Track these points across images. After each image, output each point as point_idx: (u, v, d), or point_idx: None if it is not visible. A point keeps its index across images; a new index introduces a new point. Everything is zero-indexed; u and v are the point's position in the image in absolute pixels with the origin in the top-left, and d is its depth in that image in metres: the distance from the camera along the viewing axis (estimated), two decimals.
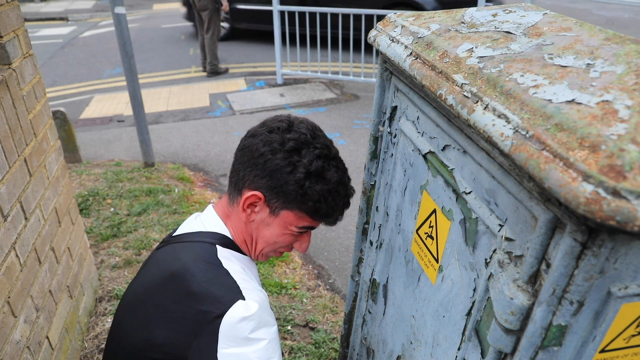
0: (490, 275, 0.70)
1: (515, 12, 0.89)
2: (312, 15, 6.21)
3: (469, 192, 0.78)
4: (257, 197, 1.04)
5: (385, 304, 1.23)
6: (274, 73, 6.55)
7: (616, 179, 0.46)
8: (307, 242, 1.14)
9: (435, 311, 0.93)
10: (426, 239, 0.96)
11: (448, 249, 0.87)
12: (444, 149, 0.87)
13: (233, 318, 0.92)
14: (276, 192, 1.02)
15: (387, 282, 1.21)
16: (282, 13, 6.05)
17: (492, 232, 0.72)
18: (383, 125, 1.15)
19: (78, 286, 2.16)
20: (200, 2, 6.25)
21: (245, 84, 6.35)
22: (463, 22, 0.89)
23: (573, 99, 0.56)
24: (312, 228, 1.11)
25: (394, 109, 1.09)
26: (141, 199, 3.42)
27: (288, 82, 6.37)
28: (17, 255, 1.53)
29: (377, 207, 1.23)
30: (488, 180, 0.72)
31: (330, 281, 2.79)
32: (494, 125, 0.61)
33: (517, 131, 0.58)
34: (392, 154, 1.12)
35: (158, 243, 2.90)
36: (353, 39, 5.84)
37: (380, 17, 5.47)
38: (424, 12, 1.03)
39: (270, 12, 6.41)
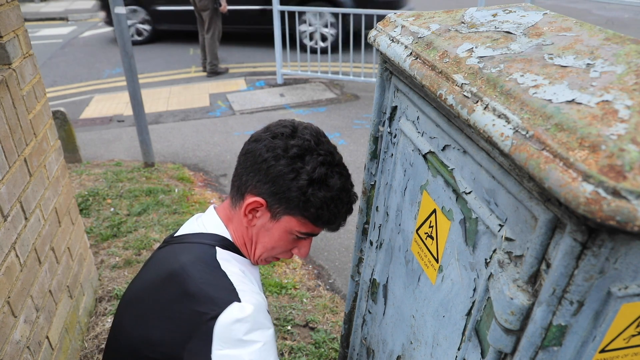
0: (490, 275, 0.70)
1: (515, 12, 0.89)
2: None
3: (469, 192, 0.78)
4: (259, 203, 1.04)
5: (385, 304, 1.23)
6: (274, 73, 6.55)
7: (616, 179, 0.46)
8: (308, 248, 1.13)
9: (435, 311, 0.93)
10: (426, 239, 0.96)
11: (448, 249, 0.87)
12: (444, 149, 0.87)
13: (227, 319, 0.92)
14: (278, 198, 1.02)
15: (387, 282, 1.21)
16: (282, 13, 6.05)
17: (492, 232, 0.72)
18: (383, 125, 1.15)
19: (78, 286, 2.16)
20: (201, 2, 6.25)
21: (245, 84, 6.35)
22: (463, 22, 0.89)
23: (573, 99, 0.56)
24: (314, 235, 1.10)
25: (394, 109, 1.09)
26: (141, 199, 3.42)
27: (288, 82, 6.37)
28: (17, 255, 1.53)
29: (377, 207, 1.23)
30: (488, 180, 0.72)
31: (330, 281, 2.79)
32: (494, 125, 0.61)
33: (517, 131, 0.58)
34: (392, 154, 1.12)
35: (158, 243, 2.91)
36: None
37: (382, 17, 5.47)
38: (424, 12, 1.03)
39: (191, 11, 6.86)
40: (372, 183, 1.24)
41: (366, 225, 1.32)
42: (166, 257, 1.09)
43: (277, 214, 1.04)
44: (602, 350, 0.61)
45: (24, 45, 1.78)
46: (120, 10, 3.46)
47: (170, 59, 7.80)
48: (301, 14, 6.69)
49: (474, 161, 0.75)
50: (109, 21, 8.22)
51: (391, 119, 1.11)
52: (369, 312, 1.35)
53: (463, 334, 0.82)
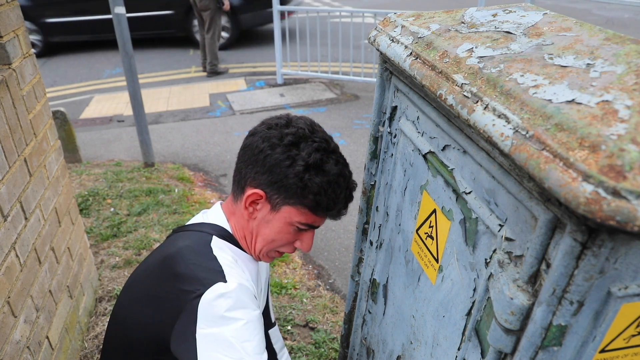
0: (490, 275, 0.70)
1: (515, 12, 0.89)
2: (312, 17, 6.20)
3: (469, 192, 0.78)
4: (259, 195, 1.05)
5: (385, 304, 1.23)
6: (274, 73, 6.54)
7: (616, 179, 0.46)
8: (310, 240, 1.13)
9: (435, 311, 0.93)
10: (426, 239, 0.96)
11: (448, 249, 0.87)
12: (444, 149, 0.87)
13: (211, 295, 0.94)
14: (277, 187, 1.03)
15: (387, 282, 1.21)
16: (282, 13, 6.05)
17: (492, 232, 0.72)
18: (383, 125, 1.15)
19: (78, 286, 2.16)
20: (202, 2, 6.24)
21: (245, 84, 6.35)
22: (463, 22, 0.89)
23: (573, 99, 0.56)
24: (315, 227, 1.11)
25: (394, 109, 1.09)
26: (141, 199, 3.42)
27: (288, 82, 6.37)
28: (17, 255, 1.53)
29: (377, 207, 1.23)
30: (488, 180, 0.72)
31: (330, 281, 2.79)
32: (494, 125, 0.61)
33: (517, 131, 0.58)
34: (392, 154, 1.12)
35: (158, 243, 2.91)
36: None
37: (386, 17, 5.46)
38: (424, 12, 1.03)
39: (85, 22, 7.17)
40: (372, 183, 1.24)
41: (366, 225, 1.32)
42: (167, 243, 1.13)
43: (276, 204, 1.05)
44: (602, 350, 0.61)
45: (24, 45, 1.78)
46: (120, 10, 3.46)
47: (170, 59, 7.80)
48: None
49: (474, 161, 0.75)
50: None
51: (391, 119, 1.11)
52: (369, 312, 1.35)
53: (463, 334, 0.82)
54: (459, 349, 0.84)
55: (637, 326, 0.60)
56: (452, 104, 0.71)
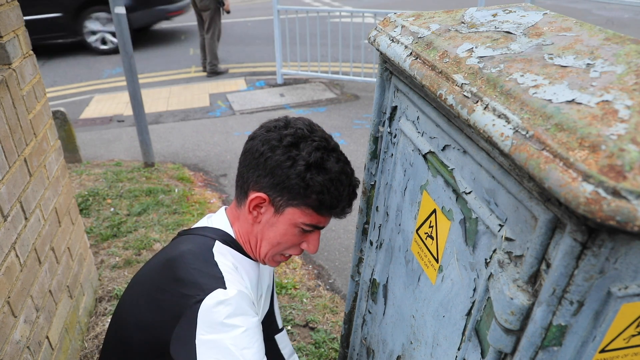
0: (490, 275, 0.70)
1: (515, 12, 0.89)
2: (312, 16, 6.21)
3: (469, 192, 0.78)
4: (262, 199, 1.05)
5: (385, 304, 1.23)
6: (274, 73, 6.54)
7: (616, 179, 0.46)
8: (316, 242, 1.12)
9: (435, 311, 0.93)
10: (426, 239, 0.96)
11: (448, 249, 0.87)
12: (444, 149, 0.87)
13: (211, 302, 0.94)
14: (279, 189, 1.03)
15: (387, 282, 1.21)
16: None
17: (492, 232, 0.72)
18: (383, 125, 1.15)
19: (78, 286, 2.16)
20: (202, 3, 6.25)
21: (245, 84, 6.35)
22: (463, 22, 0.89)
23: (573, 99, 0.56)
24: (319, 228, 1.10)
25: (394, 109, 1.09)
26: (141, 199, 3.42)
27: (288, 82, 6.37)
28: (17, 255, 1.53)
29: (377, 207, 1.23)
30: (488, 180, 0.72)
31: (330, 281, 2.79)
32: (494, 125, 0.61)
33: (517, 131, 0.58)
34: (392, 154, 1.12)
35: (158, 243, 2.91)
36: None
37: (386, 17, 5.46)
38: (424, 12, 1.03)
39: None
40: (372, 183, 1.24)
41: (366, 225, 1.32)
42: (171, 246, 1.14)
43: (280, 206, 1.05)
44: (602, 350, 0.61)
45: (24, 45, 1.78)
46: (120, 10, 3.46)
47: (170, 59, 7.80)
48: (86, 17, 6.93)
49: (474, 161, 0.75)
50: None
51: (391, 119, 1.11)
52: (369, 312, 1.35)
53: (463, 334, 0.82)
54: (459, 349, 0.84)
55: (637, 326, 0.60)
56: (452, 104, 0.71)
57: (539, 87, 0.61)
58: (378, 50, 1.03)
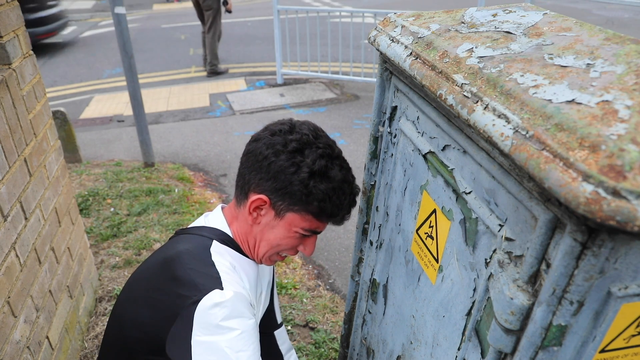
0: (490, 275, 0.70)
1: (515, 12, 0.89)
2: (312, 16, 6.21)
3: (469, 192, 0.78)
4: (263, 201, 1.05)
5: (385, 304, 1.23)
6: (274, 73, 6.54)
7: (616, 179, 0.46)
8: (313, 245, 1.13)
9: (435, 311, 0.93)
10: (426, 239, 0.96)
11: (448, 249, 0.87)
12: (444, 149, 0.87)
13: (207, 304, 0.94)
14: (281, 194, 1.03)
15: (387, 282, 1.21)
16: None
17: (492, 232, 0.72)
18: (383, 125, 1.15)
19: (78, 286, 2.16)
20: (205, 2, 6.26)
21: (245, 84, 6.35)
22: (463, 22, 0.89)
23: (573, 99, 0.56)
24: (317, 232, 1.11)
25: (394, 109, 1.09)
26: (141, 199, 3.42)
27: (288, 82, 6.37)
28: (17, 255, 1.53)
29: (377, 207, 1.23)
30: (488, 180, 0.72)
31: (330, 281, 2.79)
32: (494, 125, 0.61)
33: (517, 131, 0.58)
34: (392, 154, 1.12)
35: (158, 243, 2.91)
36: None
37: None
38: (424, 12, 1.03)
39: None
40: (372, 183, 1.24)
41: (366, 225, 1.32)
42: (168, 245, 1.14)
43: (280, 210, 1.05)
44: (602, 350, 0.61)
45: (24, 45, 1.78)
46: (120, 10, 3.46)
47: (170, 59, 7.80)
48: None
49: (474, 161, 0.75)
50: None
51: (391, 119, 1.11)
52: (369, 312, 1.35)
53: (463, 334, 0.82)
54: (459, 349, 0.84)
55: (637, 326, 0.60)
56: (452, 104, 0.71)
57: (539, 87, 0.61)
58: (378, 50, 1.03)
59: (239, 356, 0.92)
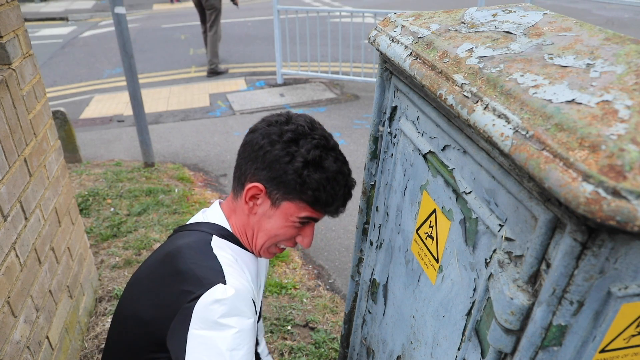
0: (490, 275, 0.70)
1: (515, 12, 0.89)
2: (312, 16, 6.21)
3: (469, 192, 0.78)
4: (258, 189, 1.05)
5: (385, 304, 1.23)
6: (274, 73, 6.55)
7: (616, 179, 0.46)
8: (310, 236, 1.13)
9: (435, 311, 0.93)
10: (426, 239, 0.96)
11: (448, 249, 0.87)
12: (444, 149, 0.87)
13: (208, 299, 0.94)
14: (276, 183, 1.04)
15: (387, 282, 1.21)
16: None
17: (492, 232, 0.72)
18: (383, 125, 1.15)
19: (78, 286, 2.16)
20: (208, 2, 6.27)
21: (245, 84, 6.35)
22: (463, 22, 0.89)
23: (573, 99, 0.56)
24: (315, 220, 1.11)
25: (394, 109, 1.09)
26: (141, 199, 3.42)
27: (288, 82, 6.37)
28: (17, 255, 1.53)
29: (377, 207, 1.23)
30: (488, 180, 0.72)
31: (330, 281, 2.79)
32: (494, 125, 0.61)
33: (517, 131, 0.58)
34: (392, 154, 1.12)
35: (158, 243, 2.91)
36: None
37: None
38: (424, 12, 1.03)
39: None
40: (372, 183, 1.24)
41: (366, 225, 1.32)
42: (168, 242, 1.15)
43: (276, 200, 1.06)
44: (602, 350, 0.61)
45: (24, 45, 1.78)
46: (120, 10, 3.46)
47: (170, 59, 7.80)
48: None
49: (474, 161, 0.75)
50: None
51: (391, 119, 1.11)
52: (369, 312, 1.35)
53: (463, 334, 0.82)
54: (459, 349, 0.84)
55: (637, 326, 0.60)
56: (452, 104, 0.71)
57: (539, 87, 0.61)
58: (378, 50, 1.03)
59: (232, 355, 0.92)
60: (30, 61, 1.83)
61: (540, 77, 0.63)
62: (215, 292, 0.95)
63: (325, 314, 2.47)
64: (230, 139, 4.71)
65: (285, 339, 2.30)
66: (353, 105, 5.55)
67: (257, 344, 1.42)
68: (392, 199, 1.14)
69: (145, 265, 1.15)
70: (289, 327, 2.37)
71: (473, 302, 0.78)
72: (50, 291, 1.80)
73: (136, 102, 3.77)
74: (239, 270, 1.05)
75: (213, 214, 1.16)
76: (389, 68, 1.07)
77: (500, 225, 0.69)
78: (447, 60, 0.78)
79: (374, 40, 1.04)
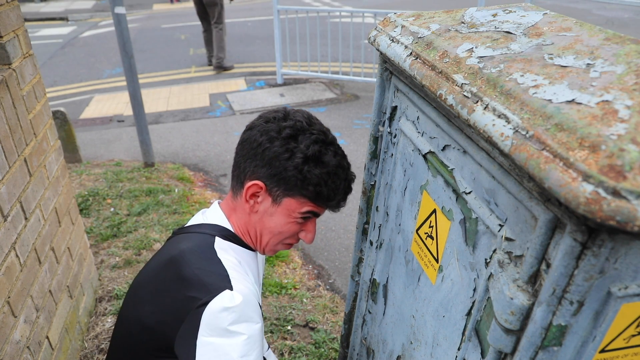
0: (490, 275, 0.70)
1: (515, 12, 0.89)
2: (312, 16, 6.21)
3: (469, 192, 0.78)
4: (259, 187, 1.05)
5: (385, 304, 1.23)
6: (274, 73, 6.55)
7: (616, 179, 0.46)
8: (313, 231, 1.13)
9: (435, 311, 0.93)
10: (426, 239, 0.96)
11: (448, 249, 0.87)
12: (444, 149, 0.87)
13: (216, 307, 0.93)
14: (277, 180, 1.03)
15: (387, 282, 1.21)
16: None
17: (492, 232, 0.72)
18: (383, 125, 1.15)
19: (78, 286, 2.16)
20: None
21: (245, 84, 6.35)
22: (463, 22, 0.89)
23: (573, 99, 0.56)
24: (317, 215, 1.11)
25: (394, 109, 1.09)
26: (141, 199, 3.42)
27: (288, 82, 6.37)
28: (17, 255, 1.53)
29: (377, 207, 1.23)
30: (488, 180, 0.72)
31: (330, 281, 2.79)
32: (494, 125, 0.61)
33: (517, 131, 0.58)
34: (392, 154, 1.12)
35: (158, 243, 2.91)
36: None
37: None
38: (424, 12, 1.03)
39: None
40: (372, 183, 1.24)
41: (366, 225, 1.32)
42: (169, 246, 1.13)
43: (277, 196, 1.05)
44: (602, 350, 0.61)
45: (24, 45, 1.78)
46: (120, 10, 3.46)
47: (170, 59, 7.80)
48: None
49: (474, 161, 0.75)
50: None
51: (391, 119, 1.11)
52: (369, 312, 1.35)
53: (463, 334, 0.82)
54: (459, 349, 0.84)
55: (637, 326, 0.60)
56: (452, 104, 0.71)
57: (539, 87, 0.61)
58: (378, 50, 1.03)
59: None
60: (30, 61, 1.83)
61: (540, 77, 0.63)
62: (223, 300, 0.94)
63: (325, 314, 2.47)
64: (230, 139, 4.71)
65: (285, 339, 2.30)
66: (353, 105, 5.56)
67: None
68: (392, 199, 1.14)
69: (148, 269, 1.14)
70: (289, 327, 2.37)
71: (473, 302, 0.78)
72: (50, 291, 1.80)
73: (136, 102, 3.77)
74: (243, 274, 1.04)
75: (213, 214, 1.15)
76: (389, 68, 1.07)
77: (500, 225, 0.69)
78: (447, 60, 0.78)
79: (374, 40, 1.04)
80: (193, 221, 1.18)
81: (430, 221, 0.94)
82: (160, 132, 4.89)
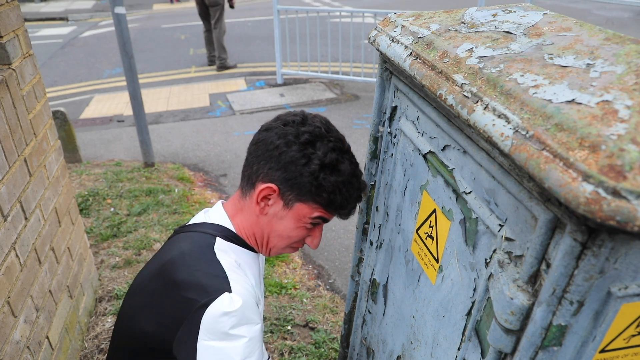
0: (490, 275, 0.70)
1: (515, 12, 0.89)
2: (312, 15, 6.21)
3: (469, 192, 0.78)
4: (272, 190, 1.04)
5: (385, 304, 1.23)
6: (274, 73, 6.55)
7: (616, 179, 0.46)
8: (319, 237, 1.13)
9: (435, 311, 0.93)
10: (426, 239, 0.96)
11: (448, 249, 0.87)
12: (444, 149, 0.87)
13: (216, 311, 0.93)
14: (290, 184, 1.03)
15: (387, 282, 1.21)
16: None
17: (492, 232, 0.72)
18: (383, 125, 1.15)
19: (78, 286, 2.16)
20: None
21: (245, 84, 6.35)
22: (463, 22, 0.89)
23: (573, 99, 0.56)
24: (326, 220, 1.10)
25: (394, 109, 1.09)
26: (141, 199, 3.42)
27: (288, 82, 6.37)
28: (17, 255, 1.53)
29: (377, 207, 1.23)
30: (488, 180, 0.72)
31: (330, 281, 2.79)
32: (494, 125, 0.61)
33: (517, 131, 0.58)
34: (392, 154, 1.12)
35: (158, 243, 2.91)
36: None
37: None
38: (424, 12, 1.03)
39: None
40: (372, 183, 1.25)
41: (366, 225, 1.32)
42: (169, 245, 1.12)
43: (289, 201, 1.05)
44: (602, 350, 0.61)
45: (24, 45, 1.78)
46: (120, 10, 3.46)
47: (170, 59, 7.80)
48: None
49: (474, 161, 0.75)
50: None
51: (391, 119, 1.11)
52: (369, 312, 1.35)
53: (463, 334, 0.82)
54: (459, 349, 0.84)
55: (637, 326, 0.60)
56: (452, 104, 0.71)
57: (539, 87, 0.61)
58: (378, 50, 1.03)
59: None
60: (30, 61, 1.83)
61: (540, 77, 0.63)
62: (222, 304, 0.93)
63: (325, 314, 2.47)
64: (230, 139, 4.71)
65: (285, 339, 2.30)
66: (353, 105, 5.56)
67: None
68: (392, 199, 1.14)
69: (147, 270, 1.13)
70: (289, 327, 2.37)
71: (473, 302, 0.78)
72: (50, 291, 1.80)
73: (136, 102, 3.77)
74: (242, 275, 1.04)
75: (216, 214, 1.14)
76: (389, 68, 1.07)
77: (500, 225, 0.69)
78: (447, 60, 0.78)
79: (374, 40, 1.04)
80: (195, 220, 1.18)
81: (430, 221, 0.94)
82: (160, 132, 4.89)
